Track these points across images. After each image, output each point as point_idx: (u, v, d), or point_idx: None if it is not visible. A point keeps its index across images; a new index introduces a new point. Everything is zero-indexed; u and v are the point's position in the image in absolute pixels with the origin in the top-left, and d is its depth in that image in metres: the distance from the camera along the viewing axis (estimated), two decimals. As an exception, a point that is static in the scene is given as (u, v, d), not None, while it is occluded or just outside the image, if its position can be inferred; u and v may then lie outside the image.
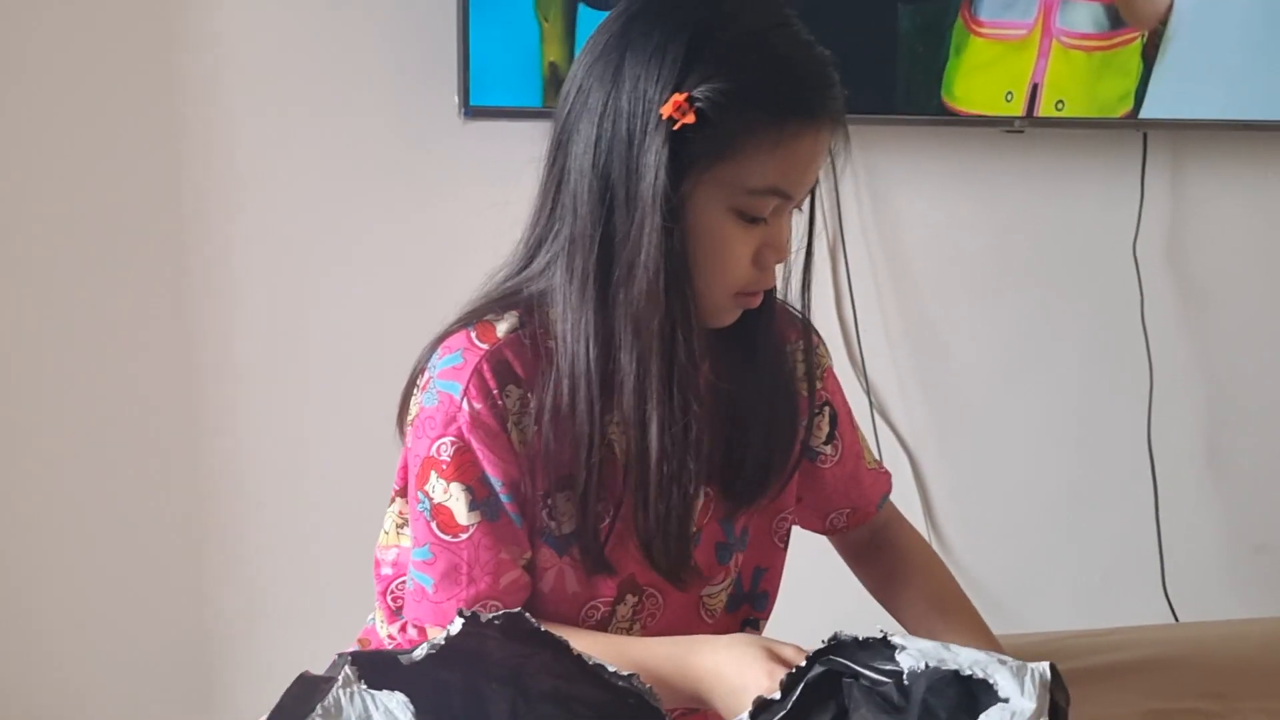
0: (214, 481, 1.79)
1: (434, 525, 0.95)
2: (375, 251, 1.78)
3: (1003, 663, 0.64)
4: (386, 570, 1.07)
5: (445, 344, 0.97)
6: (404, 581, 1.01)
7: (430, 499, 0.95)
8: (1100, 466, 2.09)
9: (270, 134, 1.73)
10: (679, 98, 0.88)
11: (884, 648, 0.69)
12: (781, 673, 0.80)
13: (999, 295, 2.02)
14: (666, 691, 0.88)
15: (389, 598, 1.06)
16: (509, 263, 1.01)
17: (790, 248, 0.97)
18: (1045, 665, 0.64)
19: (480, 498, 0.94)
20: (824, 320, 1.91)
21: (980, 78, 1.73)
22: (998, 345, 2.03)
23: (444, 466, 0.94)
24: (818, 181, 0.97)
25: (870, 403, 1.96)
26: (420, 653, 0.67)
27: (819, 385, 1.11)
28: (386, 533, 1.07)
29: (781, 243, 0.95)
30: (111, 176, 1.70)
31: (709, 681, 0.88)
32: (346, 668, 0.59)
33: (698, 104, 0.88)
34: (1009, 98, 1.72)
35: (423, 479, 0.95)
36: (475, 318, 0.97)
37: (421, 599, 0.96)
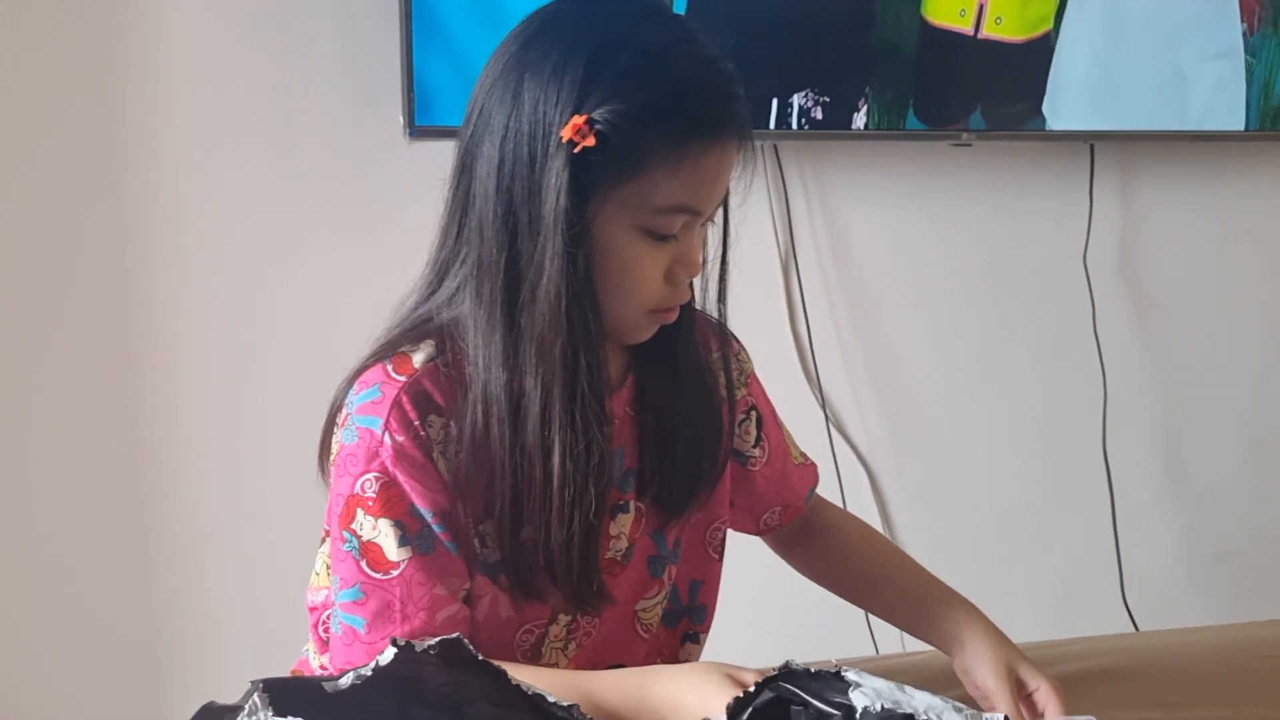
0: (159, 495, 1.76)
1: (364, 564, 0.92)
2: (320, 270, 1.76)
3: (958, 710, 0.64)
4: (317, 605, 1.05)
5: (361, 379, 0.95)
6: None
7: (358, 537, 0.93)
8: (1057, 477, 2.10)
9: (214, 153, 1.71)
10: (578, 120, 0.87)
11: (836, 680, 0.68)
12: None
13: (952, 309, 2.02)
14: None
15: (320, 629, 1.04)
16: (417, 287, 0.99)
17: (702, 263, 0.97)
18: (1000, 716, 0.63)
19: (412, 532, 0.92)
20: (778, 336, 1.93)
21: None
22: (952, 358, 2.03)
23: (370, 503, 0.92)
24: (728, 193, 0.96)
25: (826, 417, 1.96)
26: (346, 681, 0.65)
27: (744, 391, 1.12)
28: (317, 574, 1.06)
29: (693, 259, 0.95)
30: (50, 195, 1.68)
31: (667, 713, 0.87)
32: (255, 695, 0.58)
33: (597, 126, 0.87)
34: (963, 14, 1.90)
35: (348, 518, 0.93)
36: (390, 350, 0.96)
37: (353, 641, 0.93)
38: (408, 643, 0.67)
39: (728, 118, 0.91)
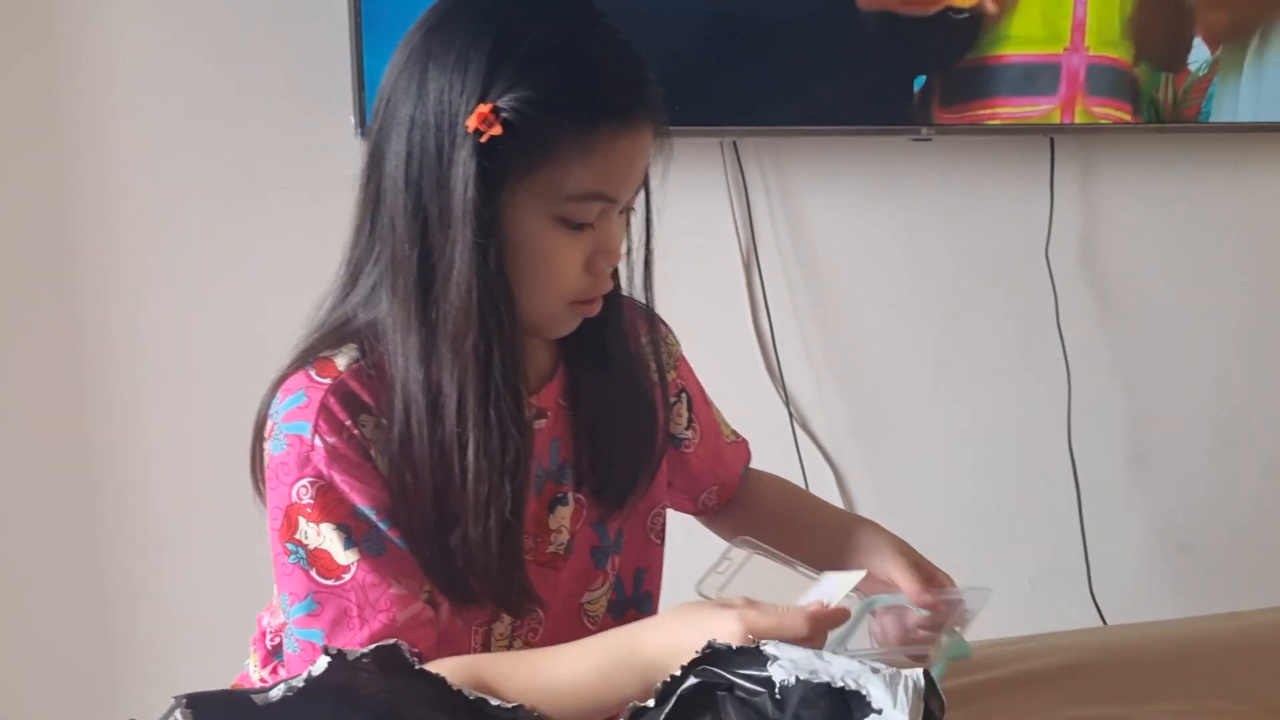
0: (114, 499, 1.73)
1: (313, 572, 0.90)
2: (273, 269, 1.73)
3: (875, 671, 0.62)
4: (273, 625, 1.03)
5: (284, 386, 0.93)
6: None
7: (304, 546, 0.90)
8: (1023, 471, 2.10)
9: (164, 153, 1.69)
10: (483, 109, 0.85)
11: (757, 655, 0.67)
12: (737, 618, 0.78)
13: (915, 303, 2.01)
14: (616, 689, 0.83)
15: (268, 641, 1.02)
16: (333, 289, 0.97)
17: (621, 251, 0.96)
18: (919, 672, 0.62)
19: (359, 534, 0.90)
20: (740, 333, 1.92)
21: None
22: (916, 354, 2.02)
23: (309, 510, 0.90)
24: (647, 179, 0.95)
25: (790, 415, 1.95)
26: (277, 693, 0.63)
27: (673, 374, 1.12)
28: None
29: (612, 248, 0.93)
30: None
31: (663, 658, 0.80)
32: (179, 711, 0.56)
33: (503, 114, 0.85)
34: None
35: (289, 529, 0.90)
36: (310, 355, 0.94)
37: (314, 656, 0.89)
38: (339, 651, 0.66)
39: (638, 102, 0.90)
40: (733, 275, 1.91)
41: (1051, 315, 2.02)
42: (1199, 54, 1.95)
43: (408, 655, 0.70)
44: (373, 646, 0.68)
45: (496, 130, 0.85)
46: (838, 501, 2.00)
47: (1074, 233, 2.05)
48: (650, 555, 1.11)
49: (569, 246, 0.91)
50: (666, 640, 0.82)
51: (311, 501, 0.89)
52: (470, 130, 0.85)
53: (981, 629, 1.88)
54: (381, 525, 0.90)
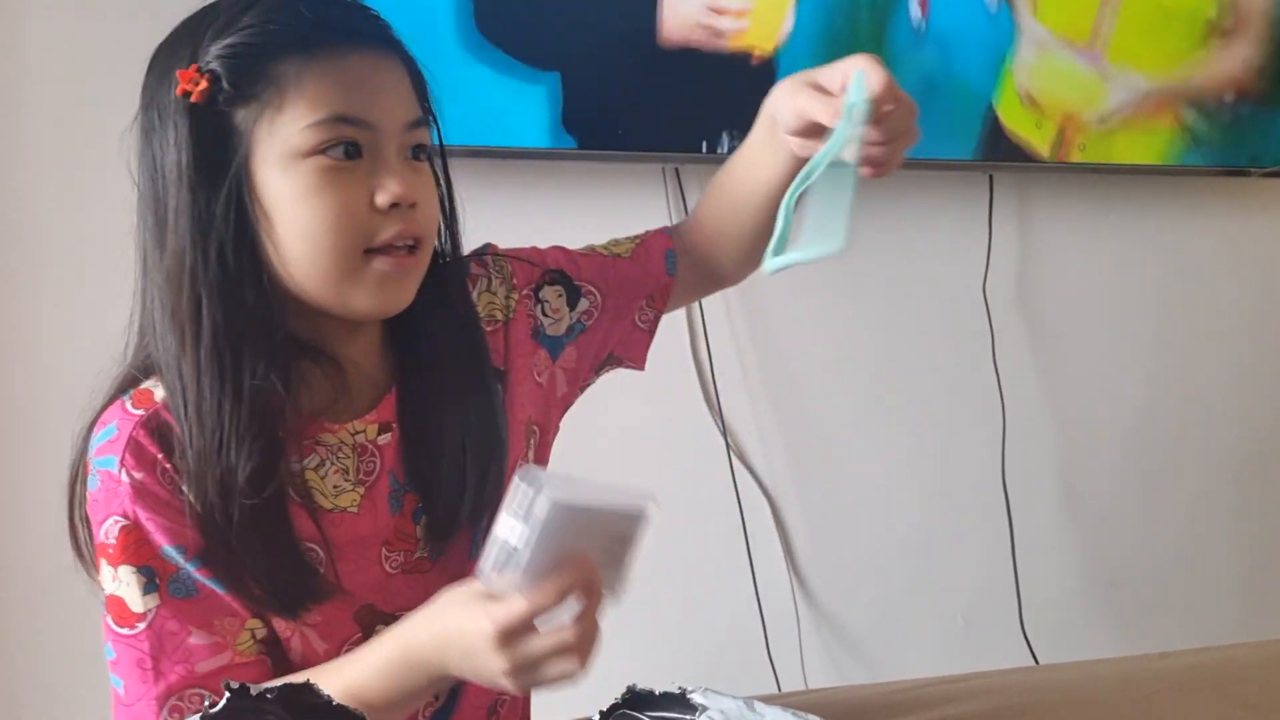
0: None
1: (110, 620, 0.86)
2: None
3: None
4: None
5: (100, 420, 0.89)
6: None
7: (104, 591, 0.87)
8: (957, 506, 2.10)
9: (91, 151, 1.62)
10: (186, 72, 0.84)
11: (682, 701, 0.65)
12: (497, 608, 0.75)
13: (854, 336, 2.01)
14: (405, 690, 0.83)
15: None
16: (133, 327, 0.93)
17: (412, 190, 0.89)
18: None
19: (164, 577, 0.86)
20: (679, 363, 1.90)
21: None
22: (853, 387, 2.02)
23: (111, 550, 0.86)
24: (434, 123, 0.93)
25: (727, 445, 1.93)
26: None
27: (516, 295, 1.06)
28: None
29: (395, 183, 0.87)
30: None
31: (439, 653, 0.81)
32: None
33: (210, 66, 0.84)
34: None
35: (99, 571, 0.87)
36: (128, 385, 0.90)
37: (117, 704, 0.87)
38: (243, 685, 0.62)
39: (355, 19, 0.89)
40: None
41: (988, 351, 2.03)
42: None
43: (321, 694, 0.66)
44: (281, 684, 0.64)
45: (204, 84, 0.83)
46: (773, 534, 1.99)
47: (1011, 269, 2.07)
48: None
49: (341, 184, 0.86)
50: (436, 639, 0.81)
51: (114, 542, 0.85)
52: (179, 95, 0.84)
53: (915, 664, 1.87)
54: (190, 566, 0.86)
